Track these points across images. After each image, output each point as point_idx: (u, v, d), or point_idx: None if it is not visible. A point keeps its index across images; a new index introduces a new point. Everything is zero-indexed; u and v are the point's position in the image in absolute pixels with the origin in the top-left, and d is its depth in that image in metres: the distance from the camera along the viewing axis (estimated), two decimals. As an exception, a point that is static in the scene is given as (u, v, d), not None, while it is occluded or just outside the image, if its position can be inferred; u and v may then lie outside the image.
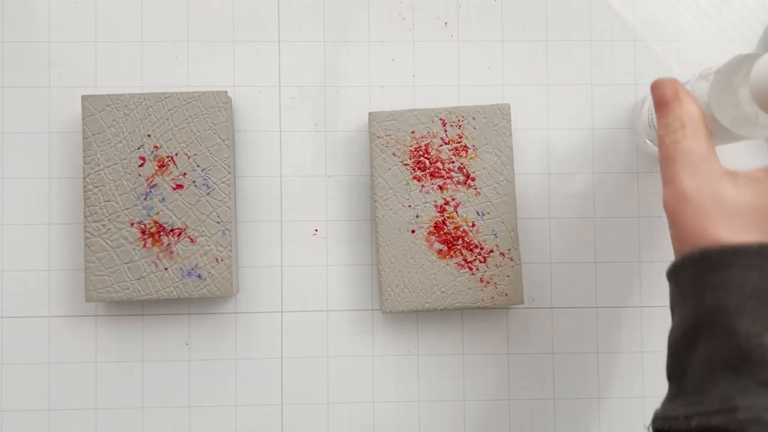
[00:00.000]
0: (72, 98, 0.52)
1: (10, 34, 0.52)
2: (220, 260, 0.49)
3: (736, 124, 0.40)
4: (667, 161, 0.37)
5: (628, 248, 0.53)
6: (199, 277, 0.49)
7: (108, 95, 0.49)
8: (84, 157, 0.49)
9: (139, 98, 0.49)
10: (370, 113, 0.51)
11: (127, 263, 0.49)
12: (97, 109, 0.49)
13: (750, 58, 0.39)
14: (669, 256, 0.53)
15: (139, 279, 0.49)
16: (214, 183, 0.49)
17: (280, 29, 0.53)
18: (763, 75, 0.36)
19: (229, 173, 0.49)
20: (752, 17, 0.54)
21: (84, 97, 0.49)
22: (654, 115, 0.48)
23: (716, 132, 0.41)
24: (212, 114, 0.49)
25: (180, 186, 0.49)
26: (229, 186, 0.49)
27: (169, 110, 0.49)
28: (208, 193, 0.49)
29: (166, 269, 0.49)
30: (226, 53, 0.53)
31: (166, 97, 0.49)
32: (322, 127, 0.53)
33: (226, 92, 0.50)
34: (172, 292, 0.49)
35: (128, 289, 0.49)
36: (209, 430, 0.52)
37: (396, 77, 0.53)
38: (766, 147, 0.54)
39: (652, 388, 0.53)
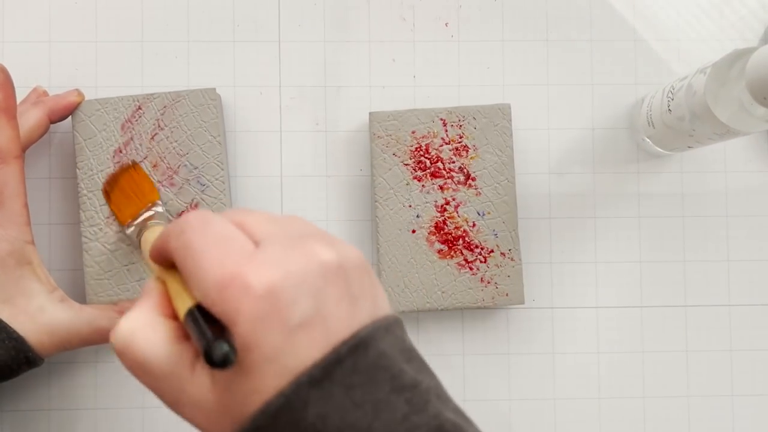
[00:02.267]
0: (72, 98, 0.52)
1: (10, 34, 0.52)
2: None
3: (733, 118, 0.40)
4: None
5: (629, 248, 0.53)
6: None
7: (97, 99, 0.49)
8: (77, 162, 0.49)
9: (128, 100, 0.49)
10: (370, 113, 0.50)
11: (126, 265, 0.49)
12: (87, 114, 0.49)
13: (747, 52, 0.39)
14: (669, 256, 0.53)
15: (139, 280, 0.49)
16: (207, 180, 0.49)
17: (281, 29, 0.53)
18: (759, 67, 0.36)
19: (223, 170, 0.49)
20: (753, 17, 0.54)
21: None
22: (653, 113, 0.48)
23: (713, 127, 0.41)
24: (202, 112, 0.49)
25: (173, 185, 0.49)
26: (224, 183, 0.49)
27: (158, 110, 0.49)
28: (202, 191, 0.49)
29: None
30: (226, 53, 0.53)
31: (155, 98, 0.49)
32: (322, 127, 0.53)
33: (215, 89, 0.49)
34: None
35: (128, 291, 0.49)
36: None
37: (397, 77, 0.53)
38: (765, 145, 0.54)
39: (654, 388, 0.53)
